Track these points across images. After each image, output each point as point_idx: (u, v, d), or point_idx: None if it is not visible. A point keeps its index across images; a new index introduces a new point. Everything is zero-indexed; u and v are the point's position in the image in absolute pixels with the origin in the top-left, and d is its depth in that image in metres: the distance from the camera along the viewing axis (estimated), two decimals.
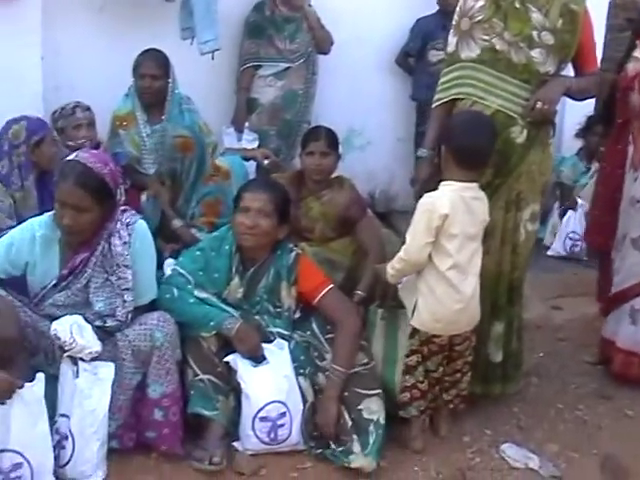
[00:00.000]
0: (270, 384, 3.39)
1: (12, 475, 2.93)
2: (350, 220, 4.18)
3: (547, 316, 4.97)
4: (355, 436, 3.37)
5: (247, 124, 5.13)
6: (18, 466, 2.94)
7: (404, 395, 3.54)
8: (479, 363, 3.73)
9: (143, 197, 4.45)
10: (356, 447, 3.35)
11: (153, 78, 4.63)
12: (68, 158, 3.30)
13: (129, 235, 3.33)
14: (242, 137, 5.07)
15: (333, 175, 4.26)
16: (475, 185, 3.44)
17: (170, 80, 4.66)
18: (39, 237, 3.33)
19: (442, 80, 3.75)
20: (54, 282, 3.33)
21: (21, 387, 2.92)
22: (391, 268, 3.50)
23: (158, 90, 4.65)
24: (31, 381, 3.00)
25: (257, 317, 3.58)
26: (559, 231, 5.88)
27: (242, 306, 3.56)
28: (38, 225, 3.35)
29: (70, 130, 4.47)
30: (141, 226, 3.42)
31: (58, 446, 3.15)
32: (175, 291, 3.48)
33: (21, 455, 2.94)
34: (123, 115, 4.69)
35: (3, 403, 2.89)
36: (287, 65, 5.25)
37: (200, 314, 3.45)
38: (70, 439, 3.14)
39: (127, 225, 3.35)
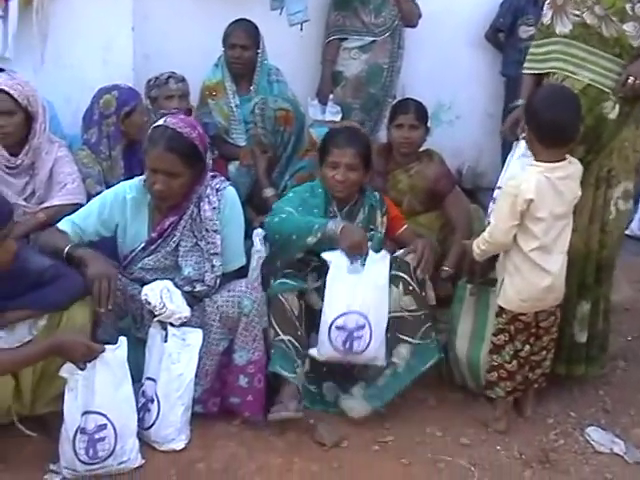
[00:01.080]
0: (354, 294, 3.38)
1: (96, 436, 2.97)
2: (438, 194, 4.14)
3: (636, 299, 4.81)
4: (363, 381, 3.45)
5: (331, 97, 5.09)
6: (102, 427, 2.99)
7: (491, 375, 3.48)
8: (563, 343, 3.65)
9: (231, 167, 4.48)
10: (357, 390, 3.43)
11: (243, 48, 4.64)
12: (156, 124, 3.31)
13: (218, 201, 3.34)
14: (326, 109, 5.04)
15: (422, 149, 4.20)
16: (564, 163, 3.32)
17: (260, 51, 4.68)
18: (130, 199, 3.36)
19: (535, 50, 3.67)
20: (143, 245, 3.37)
21: (102, 351, 2.96)
22: (477, 247, 3.45)
23: (248, 60, 4.66)
24: (114, 344, 3.05)
25: None
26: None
27: None
28: (129, 188, 3.39)
29: (162, 100, 4.47)
30: (231, 192, 3.42)
31: (143, 409, 3.20)
32: (282, 215, 3.55)
33: (105, 417, 2.99)
34: (212, 85, 4.71)
35: (82, 369, 2.93)
36: (372, 38, 5.16)
37: (304, 222, 3.51)
38: (156, 402, 3.17)
39: (217, 190, 3.36)
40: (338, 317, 3.36)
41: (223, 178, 3.50)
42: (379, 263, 3.46)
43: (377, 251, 3.54)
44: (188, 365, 3.18)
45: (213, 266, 3.33)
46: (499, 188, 3.58)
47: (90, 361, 2.93)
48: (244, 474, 3.12)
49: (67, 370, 2.93)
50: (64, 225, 3.36)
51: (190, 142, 3.22)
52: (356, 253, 3.43)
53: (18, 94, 3.71)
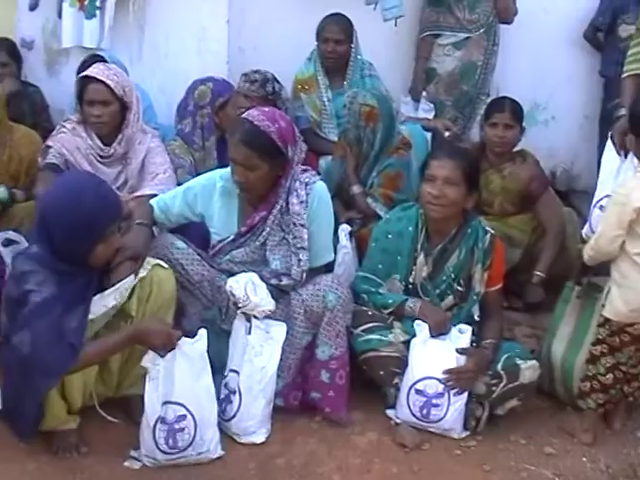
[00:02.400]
0: (437, 360, 3.28)
1: (176, 426, 2.97)
2: (531, 196, 4.03)
3: None
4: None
5: (424, 94, 5.00)
6: (182, 418, 2.98)
7: (584, 385, 3.36)
8: None
9: (321, 162, 4.46)
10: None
11: (337, 43, 4.60)
12: (242, 116, 3.31)
13: (307, 195, 3.31)
14: (419, 107, 4.95)
15: (516, 149, 4.09)
16: None
17: (353, 45, 4.64)
18: (219, 188, 3.37)
19: (636, 50, 3.58)
20: (232, 238, 3.36)
21: (179, 339, 2.95)
22: (585, 252, 3.35)
23: (341, 55, 4.62)
24: (194, 337, 3.05)
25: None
26: None
27: (426, 286, 3.44)
28: (219, 176, 3.39)
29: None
30: (320, 187, 3.38)
31: (226, 400, 3.20)
32: (365, 297, 3.45)
33: (184, 407, 2.98)
34: (305, 79, 4.69)
35: (162, 356, 2.92)
36: (466, 35, 5.03)
37: (381, 301, 3.42)
38: (238, 394, 3.16)
39: (306, 185, 3.33)
40: (419, 380, 3.27)
41: (314, 172, 3.46)
42: (459, 335, 3.37)
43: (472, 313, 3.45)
44: (271, 358, 3.16)
45: (300, 260, 3.31)
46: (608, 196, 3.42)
47: (170, 350, 2.93)
48: (323, 472, 3.08)
49: (149, 360, 2.93)
50: (153, 201, 3.47)
51: (267, 136, 3.18)
52: (439, 330, 3.35)
53: (114, 84, 3.75)
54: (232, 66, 4.82)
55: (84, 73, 3.80)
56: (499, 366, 3.29)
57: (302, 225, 3.30)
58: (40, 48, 4.82)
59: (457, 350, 3.27)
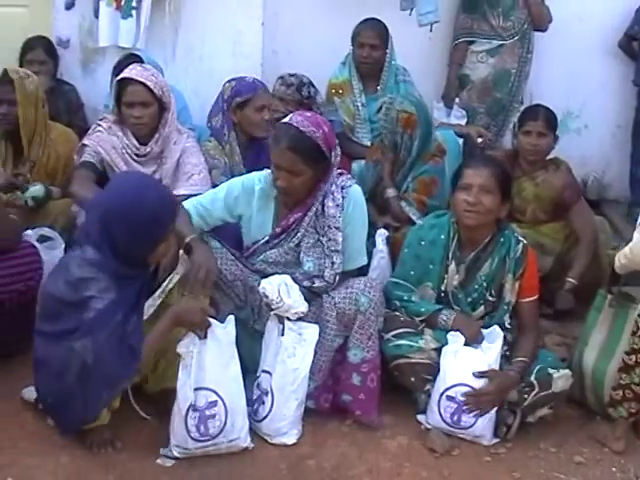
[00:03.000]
0: (469, 366, 3.29)
1: (207, 412, 3.01)
2: (564, 204, 4.05)
3: None
4: None
5: (457, 100, 5.03)
6: (213, 404, 3.02)
7: (616, 393, 3.34)
8: None
9: (354, 166, 4.48)
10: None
11: (372, 48, 4.63)
12: (283, 121, 3.31)
13: (342, 198, 3.33)
14: (451, 113, 4.98)
15: (549, 157, 4.10)
16: None
17: (388, 50, 4.67)
18: (258, 190, 3.39)
19: None
20: (267, 238, 3.39)
21: (209, 325, 3.01)
22: (618, 260, 3.36)
23: (376, 60, 4.65)
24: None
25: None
26: None
27: (457, 295, 3.46)
28: (258, 179, 3.41)
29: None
30: (356, 191, 3.40)
31: (258, 400, 3.22)
32: (397, 303, 3.47)
33: (215, 393, 3.02)
34: (339, 83, 4.73)
35: (200, 337, 2.98)
36: (500, 42, 5.05)
37: (414, 309, 3.44)
38: (270, 395, 3.18)
39: (342, 188, 3.35)
40: (451, 387, 3.27)
41: (350, 176, 3.49)
42: (490, 341, 3.37)
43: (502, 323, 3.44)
44: (303, 360, 3.18)
45: (333, 263, 3.32)
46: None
47: (206, 332, 3.00)
48: (354, 475, 3.08)
49: (184, 345, 2.99)
50: (189, 205, 3.41)
51: (313, 142, 3.20)
52: (472, 342, 3.36)
53: (153, 85, 3.80)
54: (266, 69, 4.89)
55: (122, 75, 3.83)
56: (532, 377, 3.30)
57: (337, 228, 3.32)
58: (76, 47, 4.89)
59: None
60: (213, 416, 3.02)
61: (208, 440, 3.04)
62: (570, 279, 3.77)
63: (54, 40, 4.79)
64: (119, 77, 3.85)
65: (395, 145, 4.14)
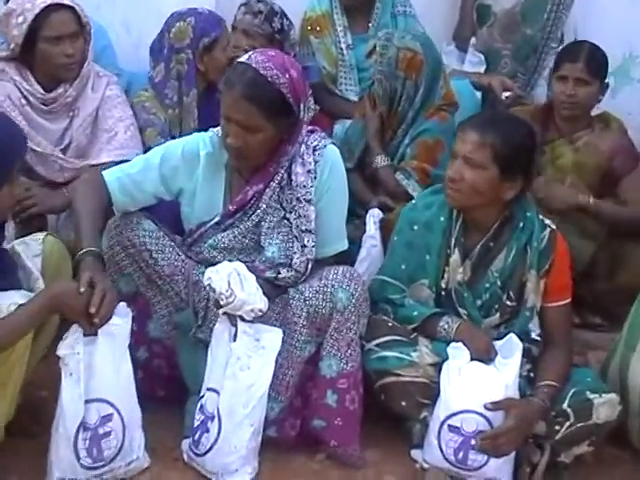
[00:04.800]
0: (477, 387, 3.43)
1: (101, 430, 3.21)
2: (613, 174, 4.21)
3: None
4: None
5: (473, 40, 5.16)
6: (108, 418, 3.22)
7: None
8: None
9: (337, 127, 4.68)
10: None
11: None
12: (239, 60, 3.44)
13: (315, 162, 3.49)
14: (465, 58, 5.12)
15: (595, 112, 4.26)
16: None
17: None
18: (204, 156, 3.53)
19: None
20: (217, 219, 3.54)
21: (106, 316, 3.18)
22: None
23: None
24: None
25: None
26: None
27: (463, 294, 3.62)
28: (203, 142, 3.55)
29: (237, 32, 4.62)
30: (332, 152, 3.56)
31: (201, 428, 3.38)
32: (387, 308, 3.65)
33: (111, 405, 3.22)
34: (316, 17, 4.92)
35: (87, 334, 3.16)
36: None
37: (403, 313, 3.62)
38: (217, 420, 3.32)
39: (314, 150, 3.51)
40: (454, 414, 3.41)
41: (324, 134, 3.63)
42: (507, 356, 3.51)
43: (524, 332, 3.59)
44: (261, 374, 3.32)
45: (304, 246, 3.48)
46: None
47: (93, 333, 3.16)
48: None
49: (67, 345, 3.15)
50: (111, 177, 3.51)
51: (276, 90, 3.32)
52: (482, 358, 3.51)
53: (80, 10, 3.97)
54: None
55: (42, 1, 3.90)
56: (565, 404, 3.43)
57: (308, 201, 3.48)
58: None
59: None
60: (108, 434, 3.22)
61: (103, 466, 3.24)
62: None
63: None
64: (43, 4, 3.90)
65: (392, 95, 4.30)
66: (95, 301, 3.11)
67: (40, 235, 3.40)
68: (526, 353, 3.59)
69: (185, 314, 3.56)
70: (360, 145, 4.44)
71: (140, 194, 3.53)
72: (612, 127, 4.32)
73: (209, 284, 3.32)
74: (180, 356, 3.60)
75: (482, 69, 5.08)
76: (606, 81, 4.36)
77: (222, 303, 3.31)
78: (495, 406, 3.37)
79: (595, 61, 4.28)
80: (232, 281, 3.29)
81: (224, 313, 3.36)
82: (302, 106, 3.42)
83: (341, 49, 4.88)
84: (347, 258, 3.82)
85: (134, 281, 3.55)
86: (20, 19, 3.96)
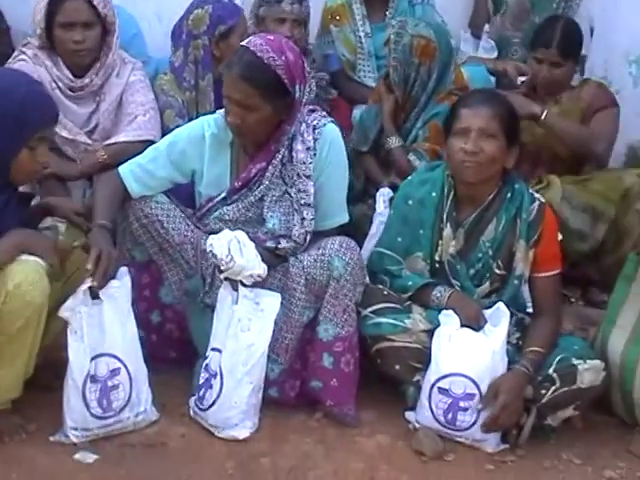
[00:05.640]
0: (466, 353, 3.64)
1: (110, 383, 3.50)
2: (591, 109, 4.58)
3: None
4: None
5: (487, 28, 5.32)
6: (116, 372, 3.51)
7: None
8: None
9: (356, 112, 4.90)
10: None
11: None
12: (241, 44, 3.70)
13: (314, 140, 3.74)
14: (479, 45, 5.31)
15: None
16: None
17: None
18: (209, 137, 3.79)
19: None
20: (223, 195, 3.80)
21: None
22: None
23: None
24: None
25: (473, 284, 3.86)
26: None
27: (456, 266, 3.84)
28: (208, 123, 3.81)
29: (270, 22, 4.87)
30: (331, 131, 3.80)
31: (205, 385, 3.64)
32: (386, 279, 3.87)
33: (118, 359, 3.51)
34: (336, 7, 5.15)
35: (96, 297, 3.44)
36: None
37: (399, 283, 3.84)
38: (219, 377, 3.59)
39: (314, 128, 3.76)
40: (443, 377, 3.63)
41: (324, 113, 3.88)
42: (495, 323, 3.71)
43: (512, 301, 3.81)
44: (260, 335, 3.57)
45: (303, 219, 3.73)
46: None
47: (96, 296, 3.45)
48: (315, 476, 3.47)
49: (69, 306, 3.42)
50: (125, 170, 3.81)
51: (272, 71, 3.58)
52: (472, 325, 3.72)
53: (97, 1, 4.25)
54: None
55: None
56: (551, 370, 3.63)
57: (308, 177, 3.73)
58: None
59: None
60: (116, 386, 3.51)
61: (112, 416, 3.53)
62: None
63: None
64: None
65: (407, 81, 4.52)
66: (90, 258, 3.41)
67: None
68: (518, 323, 3.82)
69: (194, 281, 3.81)
70: (374, 129, 4.66)
71: (154, 181, 3.79)
72: (589, 82, 4.70)
73: (211, 250, 3.56)
74: (190, 320, 3.86)
75: (493, 55, 5.26)
76: (583, 54, 4.74)
77: (222, 268, 3.56)
78: (488, 394, 3.58)
79: (568, 43, 4.56)
80: (232, 247, 3.53)
81: (226, 278, 3.59)
82: (298, 87, 3.66)
83: (360, 37, 5.09)
84: (356, 233, 4.05)
85: (147, 250, 3.82)
86: (41, 4, 4.27)
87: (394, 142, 4.57)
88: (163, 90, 4.53)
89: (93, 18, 4.27)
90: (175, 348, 3.96)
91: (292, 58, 3.63)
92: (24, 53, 4.38)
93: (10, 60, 4.40)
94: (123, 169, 3.81)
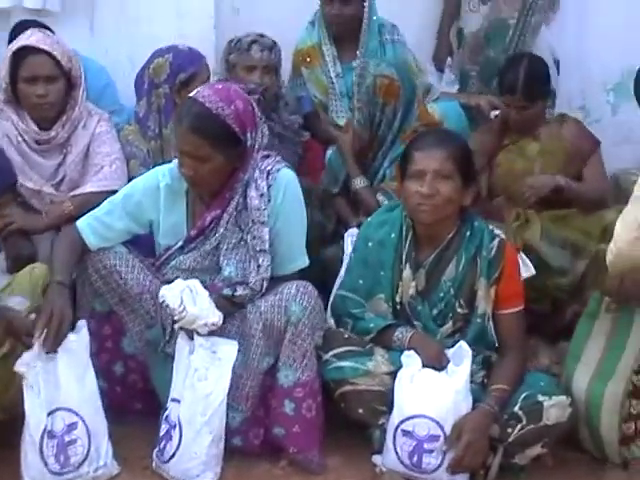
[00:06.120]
0: (428, 394, 3.61)
1: (67, 438, 3.50)
2: (580, 153, 4.55)
3: None
4: None
5: (449, 62, 5.37)
6: (73, 426, 3.52)
7: (627, 426, 3.64)
8: None
9: (329, 152, 4.87)
10: None
11: (343, 2, 4.97)
12: (189, 95, 3.73)
13: (268, 186, 3.75)
14: (442, 77, 5.35)
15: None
16: None
17: (366, 4, 5.01)
18: (163, 187, 3.82)
19: None
20: (180, 244, 3.82)
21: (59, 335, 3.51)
22: (607, 257, 3.58)
23: (349, 18, 5.03)
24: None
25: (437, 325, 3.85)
26: None
27: (417, 307, 3.82)
28: (162, 174, 3.84)
29: (240, 70, 4.85)
30: (286, 175, 3.81)
31: (165, 437, 3.64)
32: (349, 322, 3.85)
33: (75, 413, 3.52)
34: (307, 49, 5.16)
35: (55, 352, 3.48)
36: None
37: (361, 326, 3.83)
38: (177, 428, 3.59)
39: (268, 174, 3.77)
40: (406, 419, 3.60)
41: (279, 158, 3.88)
42: (457, 362, 3.68)
43: (476, 340, 3.78)
44: (218, 383, 3.57)
45: (259, 266, 3.74)
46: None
47: (52, 351, 3.49)
48: None
49: (25, 361, 3.45)
50: (83, 224, 3.83)
51: (220, 121, 3.59)
52: (435, 365, 3.70)
53: (60, 55, 4.29)
54: (223, 32, 5.28)
55: (20, 42, 4.30)
56: (516, 407, 3.60)
57: (262, 223, 3.73)
58: None
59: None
60: (74, 441, 3.52)
61: (71, 471, 3.53)
62: None
63: None
64: (16, 46, 4.31)
65: (372, 121, 4.52)
66: (38, 324, 3.49)
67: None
68: (485, 361, 3.79)
69: (154, 331, 3.82)
70: (343, 170, 4.67)
71: (111, 233, 3.82)
72: (568, 120, 4.66)
73: (163, 300, 3.59)
74: (152, 370, 3.87)
75: (455, 88, 5.32)
76: (552, 87, 4.74)
77: (176, 318, 3.59)
78: (452, 435, 3.55)
79: (533, 87, 4.59)
80: (184, 297, 3.56)
81: (181, 328, 3.62)
82: (249, 134, 3.67)
83: (331, 78, 5.09)
84: (328, 274, 4.11)
85: (108, 301, 3.83)
86: (6, 60, 4.32)
87: (359, 183, 4.58)
88: (128, 140, 4.55)
89: (56, 72, 4.30)
90: (140, 399, 3.96)
91: (241, 106, 3.65)
92: None
93: None
94: (81, 223, 3.84)
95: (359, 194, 4.57)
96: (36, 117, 4.37)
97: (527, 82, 4.55)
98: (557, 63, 5.39)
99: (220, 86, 3.76)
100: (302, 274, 3.91)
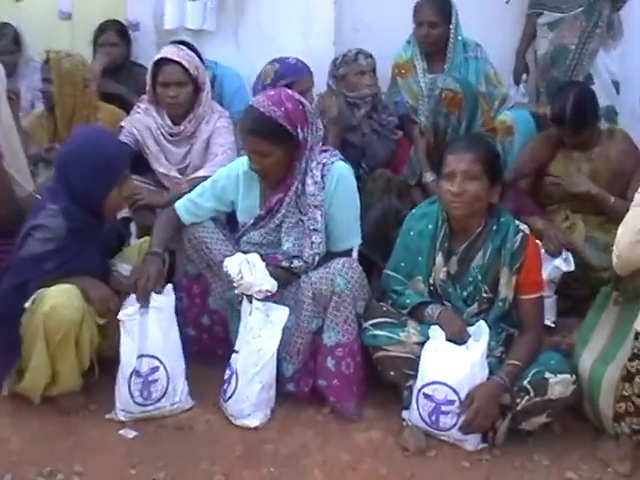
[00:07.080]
0: (448, 364, 3.25)
1: (150, 378, 3.33)
2: (623, 174, 4.03)
3: None
4: None
5: (524, 77, 4.94)
6: (155, 369, 3.33)
7: (619, 405, 3.16)
8: None
9: (411, 150, 4.45)
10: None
11: (430, 26, 4.61)
12: (250, 102, 3.46)
13: (323, 176, 3.41)
14: (518, 90, 4.92)
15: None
16: None
17: (452, 26, 4.61)
18: (242, 174, 3.54)
19: None
20: (253, 221, 3.54)
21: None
22: (613, 259, 3.19)
23: (436, 38, 4.63)
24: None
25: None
26: None
27: (447, 289, 3.42)
28: (242, 163, 3.56)
29: (352, 77, 4.51)
30: (339, 167, 3.46)
31: (227, 380, 3.40)
32: (393, 297, 3.49)
33: (158, 360, 3.33)
34: (402, 62, 4.76)
35: (146, 306, 3.32)
36: (560, 15, 4.82)
37: (400, 301, 3.46)
38: (235, 375, 3.34)
39: (323, 165, 3.43)
40: (428, 384, 3.26)
41: (335, 152, 3.55)
42: (476, 338, 3.32)
43: (497, 321, 3.39)
44: (269, 341, 3.30)
45: (312, 243, 3.43)
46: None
47: (145, 307, 3.32)
48: (306, 464, 3.16)
49: (126, 312, 3.30)
50: (180, 204, 3.62)
51: (274, 121, 3.31)
52: (457, 340, 3.32)
53: (188, 65, 4.11)
54: (339, 48, 4.91)
55: (158, 55, 4.17)
56: (526, 381, 3.21)
57: (316, 206, 3.41)
58: (150, 29, 5.18)
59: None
60: (155, 381, 3.33)
61: (151, 404, 3.35)
62: None
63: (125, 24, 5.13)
64: (155, 58, 4.17)
65: (436, 127, 4.11)
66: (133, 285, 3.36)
67: None
68: (508, 337, 3.39)
69: (232, 292, 3.51)
70: (419, 166, 4.28)
71: (201, 211, 3.59)
72: (616, 136, 4.14)
73: (226, 270, 3.34)
74: (229, 324, 3.60)
75: (526, 100, 4.92)
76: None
77: (235, 284, 3.33)
78: (465, 401, 3.21)
79: (579, 118, 4.05)
80: (242, 268, 3.31)
81: (242, 293, 3.35)
82: (300, 130, 3.36)
83: (421, 87, 4.69)
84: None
85: (197, 266, 3.60)
86: (149, 69, 4.22)
87: (428, 177, 4.18)
88: None
89: (185, 78, 4.12)
90: (222, 346, 3.65)
91: (291, 106, 3.35)
92: (139, 107, 4.30)
93: (131, 113, 4.34)
94: (178, 203, 3.64)
95: (427, 186, 4.18)
96: (170, 114, 4.21)
97: (574, 114, 4.02)
98: (616, 84, 4.88)
99: (272, 92, 3.47)
100: (378, 249, 3.76)
